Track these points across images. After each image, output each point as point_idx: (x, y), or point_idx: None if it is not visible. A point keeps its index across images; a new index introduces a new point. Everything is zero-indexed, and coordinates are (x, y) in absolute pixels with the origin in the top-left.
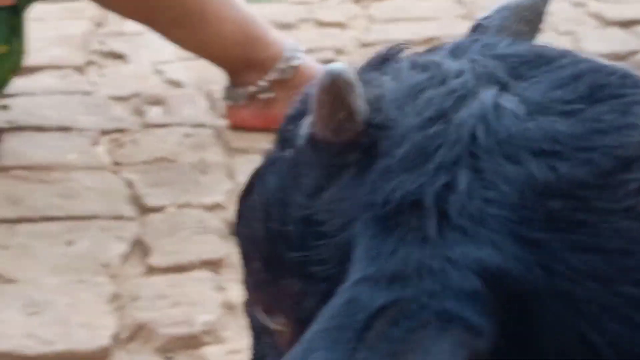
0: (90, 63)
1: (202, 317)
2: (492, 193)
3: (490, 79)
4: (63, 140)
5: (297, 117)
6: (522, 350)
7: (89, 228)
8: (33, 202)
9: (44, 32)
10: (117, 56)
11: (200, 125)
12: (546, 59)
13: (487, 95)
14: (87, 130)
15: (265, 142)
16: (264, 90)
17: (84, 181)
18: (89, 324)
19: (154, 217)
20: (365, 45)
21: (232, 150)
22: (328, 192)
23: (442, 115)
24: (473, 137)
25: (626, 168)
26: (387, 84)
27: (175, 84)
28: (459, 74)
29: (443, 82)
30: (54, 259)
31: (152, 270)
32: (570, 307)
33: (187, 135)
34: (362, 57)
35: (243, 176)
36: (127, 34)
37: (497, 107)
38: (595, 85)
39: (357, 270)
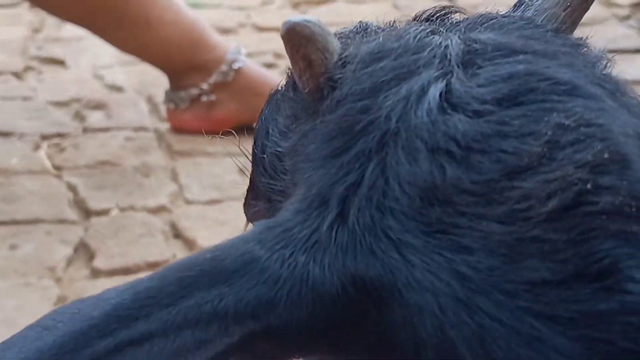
0: (28, 69)
1: None
2: (387, 200)
3: (442, 62)
4: (4, 144)
5: None
6: (383, 349)
7: (33, 232)
8: None
9: None
10: (56, 62)
11: (142, 129)
12: (504, 52)
13: (421, 79)
14: (28, 135)
15: (207, 145)
16: (206, 93)
17: (26, 185)
18: None
19: (98, 221)
20: None
21: (174, 153)
22: (293, 135)
23: (378, 90)
24: (388, 122)
25: (512, 176)
26: (364, 46)
27: (116, 88)
28: (419, 49)
29: (400, 55)
30: None
31: (97, 273)
32: (431, 302)
33: (128, 139)
34: None
35: (186, 179)
36: (66, 40)
37: (420, 95)
38: (522, 88)
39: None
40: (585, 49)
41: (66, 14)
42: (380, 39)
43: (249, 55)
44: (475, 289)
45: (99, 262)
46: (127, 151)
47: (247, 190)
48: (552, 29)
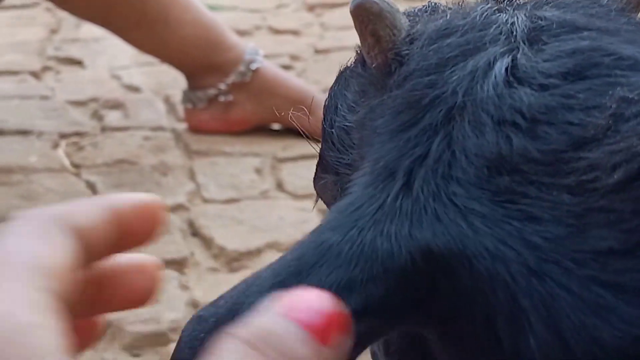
0: (46, 69)
1: (169, 315)
2: (453, 170)
3: (508, 38)
4: (23, 143)
5: None
6: (453, 319)
7: None
8: None
9: None
10: (74, 62)
11: (160, 129)
12: (569, 29)
13: (487, 54)
14: (46, 134)
15: (224, 144)
16: (224, 93)
17: (45, 183)
18: None
19: None
20: (319, 51)
21: (192, 153)
22: (361, 109)
23: (444, 65)
24: (455, 96)
25: (578, 147)
26: (431, 23)
27: (133, 88)
28: (485, 26)
29: (467, 32)
30: None
31: None
32: (502, 270)
33: (146, 139)
34: (316, 63)
35: (203, 178)
36: (83, 40)
37: (486, 69)
38: (586, 63)
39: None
40: None
41: (84, 13)
42: (447, 17)
43: (266, 57)
44: (545, 257)
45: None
46: (145, 150)
47: (317, 165)
48: (616, 9)
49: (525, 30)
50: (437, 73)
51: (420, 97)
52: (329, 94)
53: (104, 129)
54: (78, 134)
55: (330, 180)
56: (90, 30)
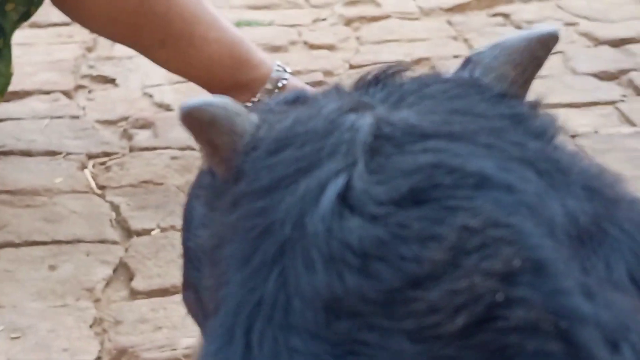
0: (79, 87)
1: (185, 341)
2: (290, 317)
3: (348, 150)
4: (50, 164)
5: None
6: None
7: (74, 252)
8: (17, 226)
9: (33, 57)
10: (107, 80)
11: (188, 148)
12: (414, 138)
13: (320, 174)
14: (74, 154)
15: None
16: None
17: (69, 205)
18: (71, 348)
19: (138, 241)
20: (354, 66)
21: None
22: (211, 227)
23: (276, 187)
24: (284, 229)
25: (415, 286)
26: (277, 126)
27: (164, 107)
28: (327, 134)
29: (306, 142)
30: (37, 283)
31: (135, 294)
32: None
33: (174, 158)
34: (350, 78)
35: None
36: (117, 58)
37: (317, 195)
38: (424, 184)
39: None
40: (529, 118)
41: (110, 34)
42: (291, 121)
43: (299, 73)
44: None
45: (138, 283)
46: (171, 170)
47: (182, 277)
48: (497, 93)
49: (368, 141)
50: (268, 198)
51: (252, 227)
52: (185, 204)
53: (132, 149)
54: (106, 154)
55: (192, 298)
56: (125, 47)
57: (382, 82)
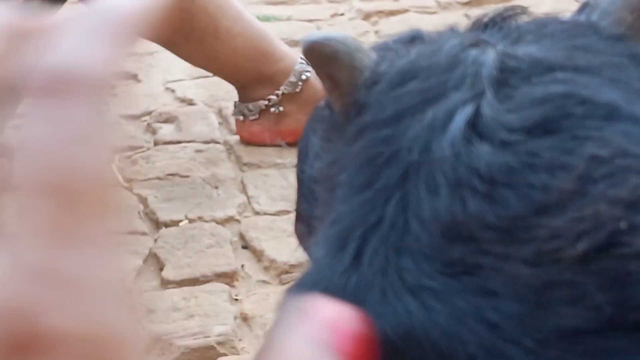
0: None
1: (217, 329)
2: (406, 239)
3: (474, 82)
4: None
5: None
6: None
7: None
8: None
9: None
10: (129, 76)
11: (212, 141)
12: (541, 70)
13: (448, 103)
14: None
15: (276, 156)
16: (275, 104)
17: None
18: None
19: (167, 232)
20: None
21: (243, 165)
22: (326, 159)
23: (402, 116)
24: (410, 155)
25: (540, 213)
26: (398, 61)
27: (187, 101)
28: (451, 67)
29: (430, 75)
30: None
31: (166, 284)
32: (460, 352)
33: (198, 151)
34: None
35: (255, 190)
36: (139, 54)
37: (445, 122)
38: (555, 114)
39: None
40: None
41: None
42: (414, 55)
43: None
44: (505, 337)
45: (168, 273)
46: (196, 163)
47: (295, 212)
48: (614, 36)
49: (494, 73)
50: (394, 126)
51: (376, 154)
52: (301, 137)
53: (156, 143)
54: (131, 147)
55: (303, 229)
56: (146, 43)
57: (498, 23)
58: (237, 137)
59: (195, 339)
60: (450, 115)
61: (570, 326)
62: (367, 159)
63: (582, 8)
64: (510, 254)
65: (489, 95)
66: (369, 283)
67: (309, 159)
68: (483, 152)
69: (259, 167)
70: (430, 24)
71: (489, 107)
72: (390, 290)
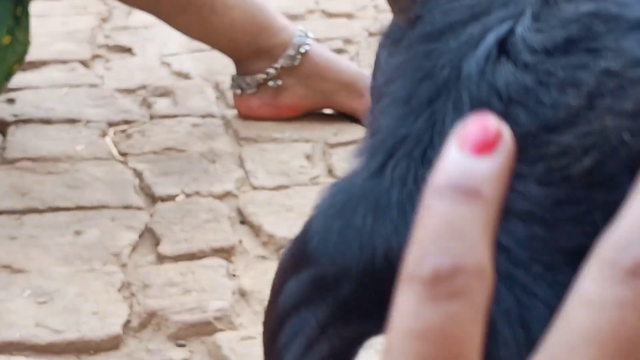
0: (96, 57)
1: (215, 304)
2: (428, 153)
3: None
4: (70, 132)
5: None
6: None
7: (98, 218)
8: (40, 193)
9: (49, 28)
10: (124, 49)
11: (209, 116)
12: None
13: (487, 21)
14: (94, 122)
15: (274, 131)
16: (273, 78)
17: (92, 172)
18: (99, 312)
19: (163, 206)
20: (373, 34)
21: (241, 140)
22: (386, 71)
23: (447, 32)
24: (443, 71)
25: (550, 130)
26: None
27: (183, 75)
28: None
29: None
30: (63, 248)
31: (162, 259)
32: None
33: (195, 126)
34: (370, 46)
35: (252, 165)
36: (133, 28)
37: (478, 40)
38: (580, 33)
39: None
40: None
41: (131, 0)
42: None
43: (318, 41)
44: (514, 261)
45: (164, 248)
46: (193, 137)
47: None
48: None
49: None
50: (437, 41)
51: (417, 68)
52: (375, 54)
53: (152, 117)
54: (126, 121)
55: None
56: (141, 17)
57: None
58: (234, 111)
59: (192, 314)
60: (484, 33)
61: (577, 247)
62: (410, 73)
63: None
64: (523, 173)
65: (528, 13)
66: (388, 193)
67: (376, 73)
68: (505, 71)
69: (257, 141)
70: None
71: (522, 26)
72: (408, 202)
